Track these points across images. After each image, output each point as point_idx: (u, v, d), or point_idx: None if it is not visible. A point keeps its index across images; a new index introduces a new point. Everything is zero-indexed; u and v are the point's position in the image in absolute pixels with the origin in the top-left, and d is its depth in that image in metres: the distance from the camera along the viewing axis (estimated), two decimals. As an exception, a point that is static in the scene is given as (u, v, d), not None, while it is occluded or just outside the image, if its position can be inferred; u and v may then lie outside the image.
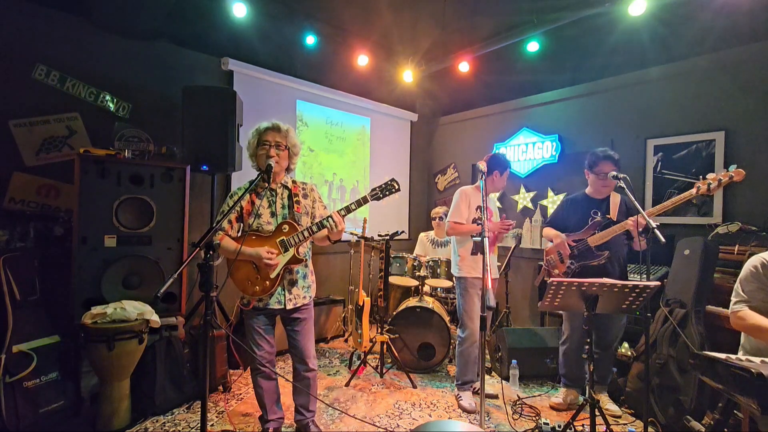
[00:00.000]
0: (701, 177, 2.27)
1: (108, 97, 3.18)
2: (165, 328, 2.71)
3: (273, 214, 2.15)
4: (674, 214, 3.24)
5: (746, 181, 2.59)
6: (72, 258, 2.54)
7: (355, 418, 2.57)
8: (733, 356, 1.60)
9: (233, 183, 3.75)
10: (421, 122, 5.56)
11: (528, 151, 4.41)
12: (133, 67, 3.29)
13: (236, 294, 2.23)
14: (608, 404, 2.71)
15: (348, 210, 2.05)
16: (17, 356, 2.30)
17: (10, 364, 2.25)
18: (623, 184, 2.25)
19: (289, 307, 2.14)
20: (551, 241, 2.84)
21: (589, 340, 2.07)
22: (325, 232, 2.10)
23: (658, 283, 1.94)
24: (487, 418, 2.66)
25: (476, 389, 2.91)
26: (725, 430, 1.92)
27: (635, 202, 2.15)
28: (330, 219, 2.02)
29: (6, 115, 2.79)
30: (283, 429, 2.36)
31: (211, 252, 1.59)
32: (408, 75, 4.59)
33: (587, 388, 2.06)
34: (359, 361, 3.36)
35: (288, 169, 2.24)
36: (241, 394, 2.92)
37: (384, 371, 3.29)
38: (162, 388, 2.60)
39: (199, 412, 2.00)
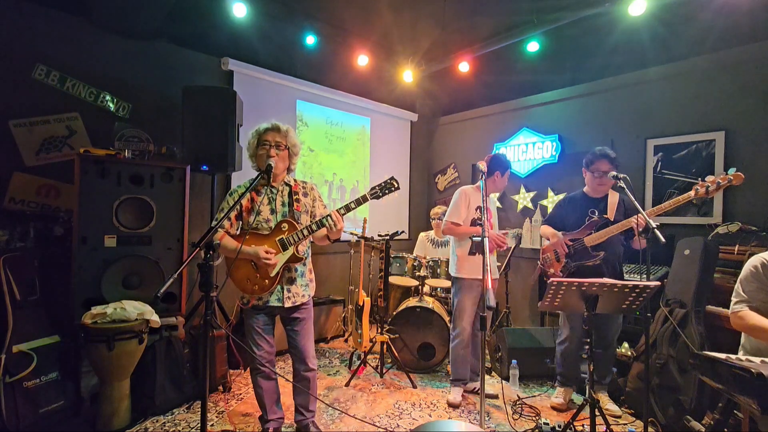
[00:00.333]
0: (700, 179, 2.27)
1: (108, 97, 3.18)
2: (165, 328, 2.71)
3: (273, 212, 2.15)
4: (674, 214, 3.23)
5: (746, 181, 2.58)
6: (72, 258, 2.55)
7: (355, 418, 2.57)
8: (733, 356, 1.60)
9: (233, 183, 3.75)
10: (421, 122, 5.56)
11: (528, 151, 4.41)
12: (133, 67, 3.29)
13: (236, 294, 2.23)
14: (608, 404, 2.71)
15: (347, 209, 2.05)
16: (17, 356, 2.30)
17: (10, 364, 2.25)
18: (623, 184, 2.25)
19: (288, 305, 2.14)
20: (548, 240, 2.84)
21: (589, 340, 2.07)
22: (324, 231, 2.10)
23: (658, 283, 1.94)
24: (487, 418, 2.66)
25: (476, 389, 2.91)
26: (725, 430, 1.92)
27: (635, 202, 2.15)
28: (329, 218, 2.02)
29: (6, 115, 2.79)
30: (283, 429, 2.36)
31: (211, 252, 1.59)
32: (408, 75, 4.59)
33: (587, 388, 2.06)
34: (359, 361, 3.36)
35: (288, 169, 2.24)
36: (241, 394, 2.91)
37: (384, 371, 3.29)
38: (162, 388, 2.60)
39: (199, 412, 2.00)
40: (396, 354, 3.30)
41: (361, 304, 3.48)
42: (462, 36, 4.18)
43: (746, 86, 3.06)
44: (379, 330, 3.29)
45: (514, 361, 3.14)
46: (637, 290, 1.93)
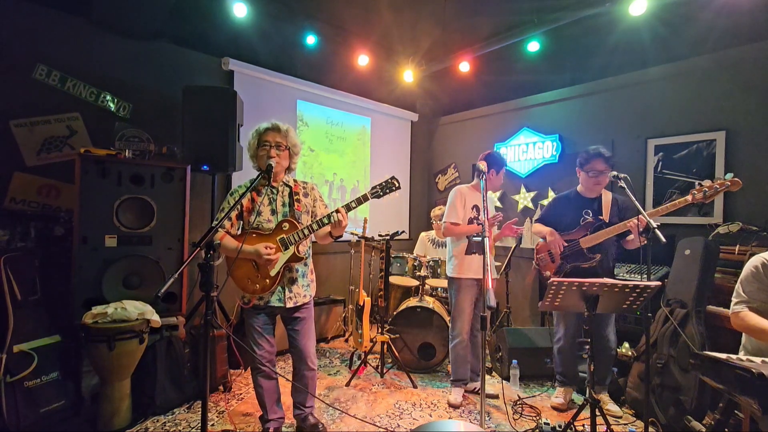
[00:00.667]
0: (697, 183, 2.26)
1: (108, 97, 3.18)
2: (165, 328, 2.71)
3: (273, 212, 2.15)
4: (675, 214, 3.21)
5: (747, 181, 2.58)
6: (72, 258, 2.55)
7: (356, 418, 2.57)
8: (734, 356, 1.60)
9: (233, 183, 3.75)
10: (421, 122, 5.56)
11: (528, 150, 4.41)
12: (134, 67, 3.29)
13: (236, 294, 2.24)
14: (609, 404, 2.71)
15: (348, 208, 2.06)
16: (18, 356, 2.31)
17: (11, 363, 2.26)
18: (624, 184, 2.25)
19: (289, 305, 2.14)
20: (543, 238, 2.83)
21: (589, 340, 2.06)
22: (326, 229, 2.10)
23: (659, 283, 1.94)
24: (487, 418, 2.66)
25: (476, 389, 2.91)
26: (726, 430, 1.92)
27: (635, 202, 2.14)
28: (335, 214, 2.02)
29: (7, 115, 2.79)
30: (283, 429, 2.36)
31: (211, 252, 1.59)
32: (408, 75, 4.59)
33: (588, 388, 2.06)
34: (360, 361, 3.36)
35: (289, 169, 2.24)
36: (241, 393, 2.92)
37: (384, 371, 3.29)
38: (162, 387, 2.60)
39: (200, 412, 2.00)
40: (396, 354, 3.30)
41: (362, 304, 3.48)
42: (462, 36, 4.18)
43: (747, 86, 3.05)
44: (380, 330, 3.29)
45: (514, 361, 3.14)
46: (637, 290, 1.93)
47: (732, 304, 1.94)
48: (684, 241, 2.78)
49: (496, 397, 2.90)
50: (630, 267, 3.15)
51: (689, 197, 2.23)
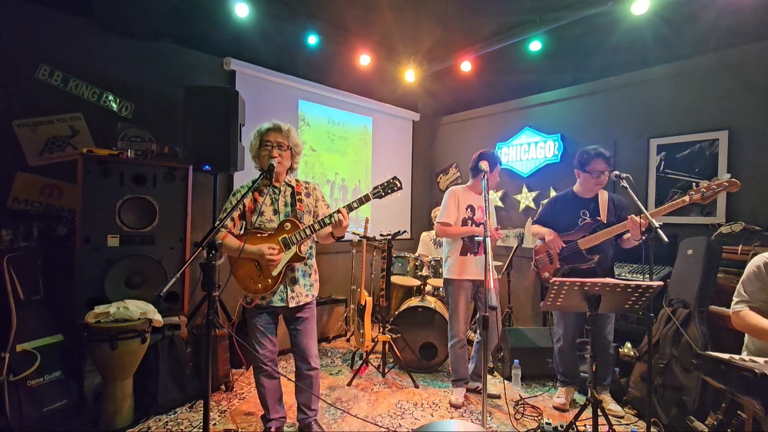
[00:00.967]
0: (694, 184, 2.26)
1: (111, 97, 3.19)
2: (168, 328, 2.72)
3: (276, 212, 2.16)
4: (677, 213, 3.21)
5: (750, 180, 2.57)
6: (75, 257, 2.56)
7: (357, 418, 2.57)
8: (736, 356, 1.59)
9: (235, 183, 3.76)
10: (423, 122, 5.56)
11: (530, 150, 4.40)
12: (136, 67, 3.30)
13: (238, 293, 2.24)
14: (611, 404, 2.71)
15: (350, 208, 2.06)
16: (21, 355, 2.32)
17: (14, 363, 2.27)
18: (626, 184, 2.24)
19: (292, 305, 2.15)
20: (541, 239, 2.82)
21: (586, 339, 2.06)
22: (328, 229, 2.11)
23: (661, 283, 1.93)
24: (489, 418, 2.66)
25: (478, 388, 2.91)
26: (728, 430, 1.91)
27: (638, 202, 2.14)
28: (336, 214, 2.02)
29: (9, 116, 2.81)
30: (285, 428, 2.36)
31: (213, 251, 1.60)
32: (410, 74, 4.59)
33: (589, 388, 2.06)
34: (361, 361, 3.36)
35: (291, 169, 2.24)
36: (243, 393, 2.92)
37: (386, 371, 3.29)
38: (165, 387, 2.61)
39: (202, 411, 2.00)
40: (398, 354, 3.30)
41: (363, 304, 3.48)
42: (464, 35, 4.17)
43: (750, 85, 3.04)
44: (381, 330, 3.29)
45: (516, 361, 3.14)
46: (639, 290, 1.92)
47: (733, 303, 1.94)
48: (686, 241, 2.77)
49: (498, 397, 2.90)
50: (632, 267, 3.14)
51: (687, 198, 2.23)
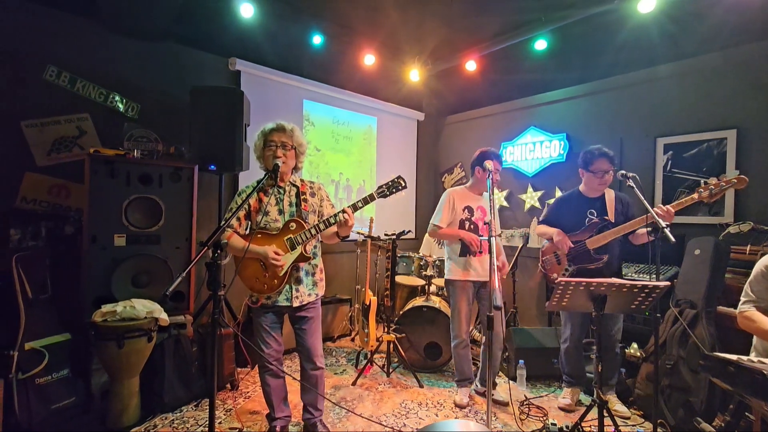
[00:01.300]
0: (703, 182, 2.24)
1: (117, 98, 3.21)
2: (173, 327, 2.74)
3: (281, 212, 2.17)
4: (684, 213, 3.19)
5: (758, 180, 2.54)
6: (82, 257, 2.58)
7: (362, 417, 2.58)
8: (744, 357, 1.58)
9: (240, 182, 3.77)
10: (427, 121, 5.55)
11: (535, 150, 4.38)
12: (142, 67, 3.32)
13: (244, 293, 2.25)
14: (617, 405, 2.69)
15: (355, 207, 2.06)
16: (29, 353, 2.34)
17: (22, 361, 2.29)
18: (632, 183, 2.23)
19: (296, 304, 2.16)
20: (549, 240, 2.81)
21: (591, 339, 2.05)
22: (333, 229, 2.11)
23: (668, 283, 1.92)
24: (494, 419, 2.65)
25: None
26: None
27: (645, 201, 2.13)
28: (341, 214, 2.03)
29: (18, 116, 2.84)
30: (289, 427, 2.37)
31: (218, 251, 1.61)
32: (414, 74, 4.59)
33: (595, 389, 2.05)
34: (366, 360, 3.37)
35: (295, 168, 2.25)
36: (248, 392, 2.94)
37: (390, 370, 3.30)
38: (171, 385, 2.63)
39: (207, 410, 2.02)
40: (402, 353, 3.30)
41: (368, 304, 3.48)
42: (469, 35, 4.16)
43: (758, 84, 3.01)
44: (386, 329, 3.29)
45: (521, 361, 3.13)
46: (646, 290, 1.91)
47: (740, 303, 1.93)
48: (694, 241, 2.75)
49: (506, 404, 2.81)
50: (639, 267, 3.13)
51: (695, 195, 2.21)
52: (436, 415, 2.70)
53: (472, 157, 2.88)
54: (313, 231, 2.08)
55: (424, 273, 3.65)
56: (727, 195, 3.07)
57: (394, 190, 2.09)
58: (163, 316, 2.55)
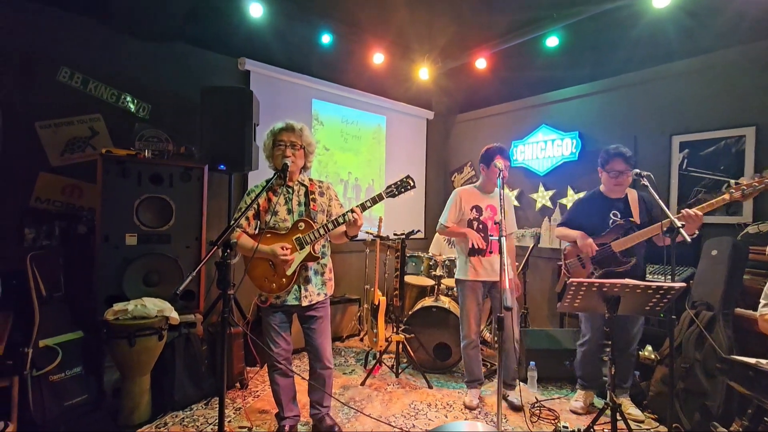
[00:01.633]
0: (733, 181, 2.18)
1: (129, 98, 3.26)
2: (184, 325, 2.77)
3: (289, 212, 2.18)
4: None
5: (779, 178, 2.46)
6: (95, 256, 2.63)
7: (371, 418, 2.58)
8: (763, 361, 1.55)
9: (250, 182, 3.80)
10: (437, 120, 5.54)
11: (547, 148, 4.34)
12: (153, 68, 3.37)
13: (253, 292, 2.27)
14: (630, 408, 2.65)
15: (363, 207, 2.06)
16: (43, 350, 2.39)
17: (36, 358, 2.34)
18: (647, 182, 2.19)
19: (305, 304, 2.17)
20: (571, 242, 2.76)
21: (609, 342, 2.03)
22: (342, 228, 2.12)
23: (684, 284, 1.89)
24: (504, 420, 2.63)
25: (507, 395, 2.84)
26: (755, 437, 1.86)
27: (658, 200, 2.09)
28: (350, 213, 2.03)
29: (32, 117, 2.90)
30: (298, 426, 2.39)
31: (228, 250, 1.62)
32: (424, 72, 4.58)
33: (608, 391, 2.02)
34: (375, 361, 3.37)
35: (304, 167, 2.26)
36: (258, 391, 2.96)
37: (399, 371, 3.30)
38: (181, 384, 2.66)
39: (217, 408, 2.04)
40: (411, 354, 3.30)
41: (377, 304, 3.49)
42: (479, 32, 4.14)
43: (779, 79, 2.94)
44: (395, 329, 3.29)
45: (532, 363, 3.10)
46: (661, 291, 1.88)
47: (760, 306, 1.88)
48: (711, 241, 2.70)
49: (520, 408, 2.75)
50: (654, 267, 3.07)
51: (726, 196, 2.14)
52: (446, 417, 2.69)
53: (481, 153, 2.86)
54: (321, 231, 2.09)
55: (433, 273, 3.63)
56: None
57: (403, 190, 2.09)
58: (174, 315, 2.59)
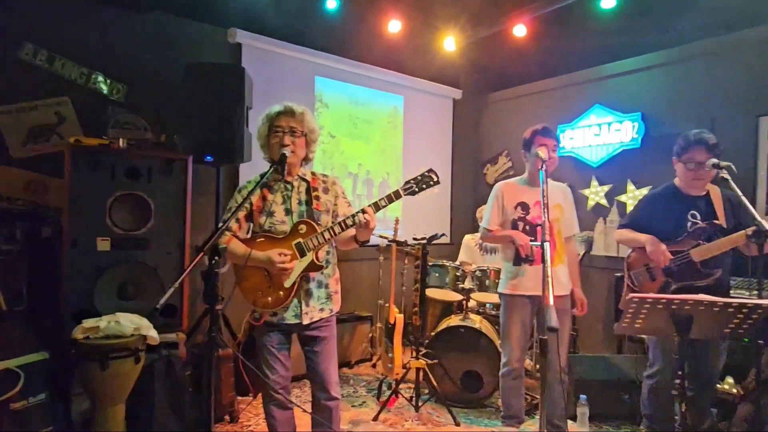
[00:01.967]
0: None
1: (100, 78, 3.34)
2: (164, 346, 2.80)
3: (288, 212, 2.19)
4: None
5: None
6: (62, 264, 2.69)
7: (385, 460, 2.58)
8: None
9: (241, 176, 3.86)
10: (465, 100, 5.52)
11: (601, 134, 4.29)
12: (128, 42, 3.44)
13: (244, 307, 2.30)
14: (706, 454, 2.59)
15: (377, 207, 2.06)
16: (2, 374, 2.45)
17: (-5, 382, 2.41)
18: (726, 175, 2.13)
19: (306, 321, 2.18)
20: (636, 248, 2.70)
21: (681, 373, 1.98)
22: (350, 232, 2.12)
23: (773, 301, 1.84)
24: (548, 466, 2.60)
25: None
26: None
27: (742, 197, 2.04)
28: (360, 214, 2.03)
29: (-9, 102, 2.99)
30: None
31: (216, 258, 1.64)
32: (450, 42, 4.56)
33: (678, 433, 1.98)
34: (390, 391, 3.37)
35: (306, 159, 2.28)
36: (250, 425, 3.00)
37: (420, 404, 3.29)
38: (161, 415, 2.70)
39: (203, 445, 2.07)
40: (434, 383, 3.29)
41: (393, 323, 3.49)
42: (517, -8, 4.11)
43: None
44: (414, 354, 3.29)
45: (582, 397, 3.06)
46: (744, 310, 1.83)
47: None
48: (808, 249, 2.62)
49: None
50: (737, 281, 3.00)
51: None
52: (476, 460, 2.68)
53: (523, 138, 2.83)
54: (326, 234, 2.09)
55: (461, 286, 3.62)
56: None
57: (424, 186, 2.08)
58: (153, 334, 2.63)
